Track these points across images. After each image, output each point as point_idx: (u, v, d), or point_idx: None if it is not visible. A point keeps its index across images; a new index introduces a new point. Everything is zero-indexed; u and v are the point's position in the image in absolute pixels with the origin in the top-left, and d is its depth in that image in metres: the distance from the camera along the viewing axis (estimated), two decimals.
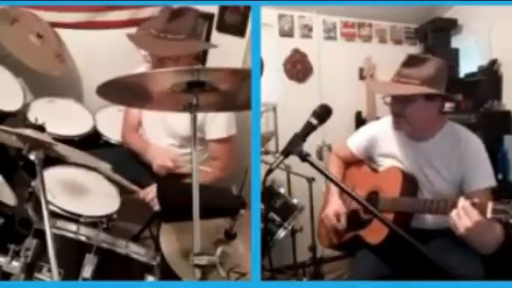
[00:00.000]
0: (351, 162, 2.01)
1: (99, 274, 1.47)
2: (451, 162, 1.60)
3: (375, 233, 1.65)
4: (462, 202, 1.30)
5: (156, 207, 1.90)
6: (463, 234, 1.29)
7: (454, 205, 1.33)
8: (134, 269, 1.57)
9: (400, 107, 1.59)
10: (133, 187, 1.96)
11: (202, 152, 2.13)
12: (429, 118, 1.63)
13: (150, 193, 1.92)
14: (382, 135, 1.81)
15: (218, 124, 2.06)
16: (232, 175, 2.06)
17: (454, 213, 1.30)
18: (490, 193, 1.56)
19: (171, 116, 2.06)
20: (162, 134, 2.13)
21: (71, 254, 1.49)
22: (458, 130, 1.65)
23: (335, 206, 1.86)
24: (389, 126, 1.77)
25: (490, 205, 1.23)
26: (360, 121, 3.18)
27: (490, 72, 2.81)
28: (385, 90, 1.67)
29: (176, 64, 1.94)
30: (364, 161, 1.95)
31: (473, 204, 1.27)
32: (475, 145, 1.60)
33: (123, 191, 1.95)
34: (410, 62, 1.60)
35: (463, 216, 1.27)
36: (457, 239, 1.53)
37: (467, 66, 3.04)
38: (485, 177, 1.57)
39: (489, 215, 1.22)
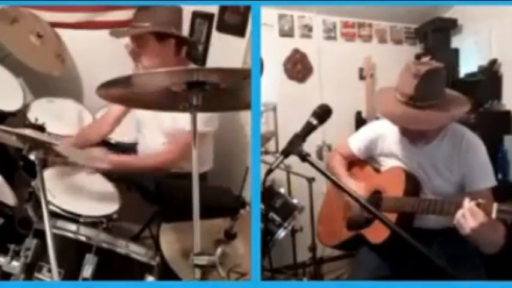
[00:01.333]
0: (353, 162, 2.00)
1: (99, 274, 1.47)
2: (453, 163, 1.60)
3: (377, 233, 1.65)
4: (468, 203, 1.30)
5: (103, 165, 1.88)
6: (468, 234, 1.29)
7: (459, 206, 1.33)
8: (134, 269, 1.57)
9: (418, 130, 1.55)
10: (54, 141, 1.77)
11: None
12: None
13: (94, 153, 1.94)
14: (384, 135, 1.80)
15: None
16: (178, 163, 1.99)
17: (459, 214, 1.31)
18: (490, 193, 1.56)
19: (164, 115, 2.05)
20: (157, 133, 2.13)
21: (71, 254, 1.49)
22: (459, 131, 1.64)
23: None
24: (390, 126, 1.74)
25: (495, 206, 1.24)
26: (360, 121, 3.18)
27: (490, 72, 2.81)
28: (413, 123, 1.50)
29: (144, 51, 1.99)
30: (366, 161, 1.94)
31: (478, 205, 1.28)
32: (476, 145, 1.60)
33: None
34: (425, 81, 1.44)
35: (469, 217, 1.28)
36: (458, 238, 1.53)
37: (467, 66, 3.04)
38: (486, 177, 1.57)
39: (494, 215, 1.23)
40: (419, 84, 1.44)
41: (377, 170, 1.88)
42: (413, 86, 1.45)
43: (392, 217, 1.59)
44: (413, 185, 1.65)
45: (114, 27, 2.64)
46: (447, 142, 1.62)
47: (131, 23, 2.00)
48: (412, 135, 1.63)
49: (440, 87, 1.51)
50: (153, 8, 1.96)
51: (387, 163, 1.79)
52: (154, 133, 2.14)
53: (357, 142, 1.92)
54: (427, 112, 1.46)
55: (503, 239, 1.42)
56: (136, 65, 2.06)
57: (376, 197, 1.75)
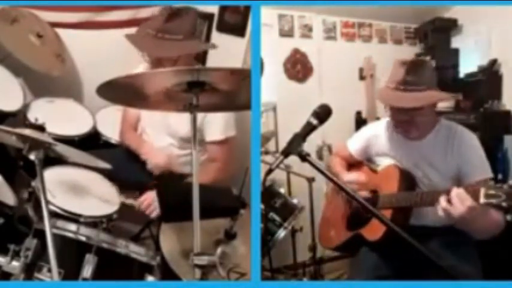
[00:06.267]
0: (351, 164, 2.03)
1: (99, 274, 1.47)
2: (447, 157, 1.62)
3: (374, 230, 1.66)
4: (456, 189, 1.30)
5: (153, 214, 1.88)
6: (457, 220, 1.29)
7: (448, 193, 1.33)
8: (134, 269, 1.57)
9: (409, 115, 1.59)
10: (128, 201, 1.92)
11: (201, 153, 2.12)
12: (430, 118, 1.65)
13: (145, 200, 1.90)
14: (378, 135, 1.83)
15: (216, 126, 2.05)
16: (230, 177, 2.05)
17: (442, 200, 1.31)
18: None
19: (172, 116, 2.05)
20: (163, 134, 2.13)
21: (71, 254, 1.49)
22: (451, 126, 1.67)
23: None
24: (384, 126, 1.80)
25: (482, 190, 1.24)
26: (360, 121, 3.18)
27: (490, 72, 2.81)
28: (399, 101, 1.59)
29: (174, 65, 1.93)
30: (363, 162, 1.96)
31: (467, 190, 1.28)
32: (469, 139, 1.62)
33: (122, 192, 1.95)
34: (414, 67, 1.57)
35: (456, 203, 1.28)
36: (457, 236, 1.54)
37: (467, 66, 3.04)
38: (481, 169, 1.57)
39: (482, 199, 1.23)
40: (406, 71, 1.56)
41: (373, 171, 1.90)
42: (402, 72, 1.57)
43: (387, 214, 1.61)
44: (408, 181, 1.67)
45: (114, 27, 2.64)
46: (440, 137, 1.65)
47: (156, 33, 1.90)
48: (404, 127, 1.66)
49: (426, 78, 1.58)
50: (180, 17, 1.92)
51: (383, 162, 1.82)
52: (160, 134, 2.14)
53: (354, 143, 1.96)
54: (414, 93, 1.55)
55: (497, 226, 1.43)
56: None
57: (372, 195, 1.78)
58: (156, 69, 1.93)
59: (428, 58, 1.61)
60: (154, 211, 1.87)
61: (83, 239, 1.51)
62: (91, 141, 2.31)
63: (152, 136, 2.19)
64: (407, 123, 1.63)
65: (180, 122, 2.02)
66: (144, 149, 2.09)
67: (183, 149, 2.12)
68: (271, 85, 2.96)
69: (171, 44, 1.91)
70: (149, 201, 1.89)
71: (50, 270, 1.36)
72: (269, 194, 2.38)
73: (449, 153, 1.61)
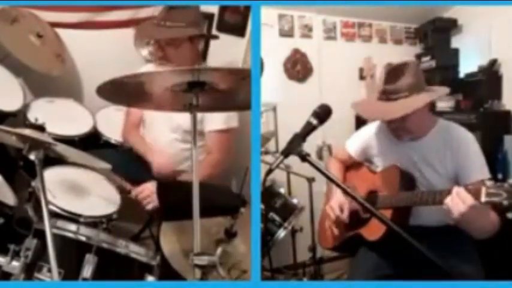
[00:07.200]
0: (350, 165, 2.03)
1: (99, 274, 1.47)
2: (445, 158, 1.61)
3: (373, 230, 1.66)
4: (456, 188, 1.30)
5: (150, 206, 1.87)
6: (457, 219, 1.29)
7: (449, 193, 1.33)
8: (134, 269, 1.57)
9: (398, 122, 1.60)
10: (127, 185, 1.93)
11: (203, 149, 2.12)
12: (424, 120, 1.66)
13: (143, 191, 1.89)
14: (377, 136, 1.83)
15: (218, 116, 2.05)
16: (228, 169, 2.03)
17: (448, 199, 1.31)
18: None
19: None
20: (166, 129, 2.13)
21: (71, 254, 1.49)
22: (450, 127, 1.67)
23: (339, 198, 1.84)
24: (382, 126, 1.80)
25: (483, 189, 1.23)
26: (360, 121, 3.17)
27: (490, 72, 2.81)
28: (385, 115, 1.61)
29: (177, 51, 1.95)
30: (363, 163, 1.96)
31: (468, 190, 1.28)
32: (467, 140, 1.62)
33: (120, 190, 1.95)
34: (391, 76, 1.59)
35: (457, 201, 1.27)
36: (457, 236, 1.54)
37: (467, 66, 3.04)
38: (479, 170, 1.57)
39: (483, 198, 1.22)
40: (385, 80, 1.59)
41: (373, 171, 1.90)
42: (382, 81, 1.60)
43: (387, 214, 1.60)
44: (407, 182, 1.67)
45: (114, 27, 2.64)
46: (438, 138, 1.64)
47: (159, 21, 1.97)
48: (395, 131, 1.68)
49: (409, 83, 1.56)
50: (182, 9, 1.97)
51: (382, 163, 1.82)
52: (163, 130, 2.14)
53: (353, 145, 1.96)
54: (397, 102, 1.55)
55: (494, 225, 1.43)
56: (160, 64, 2.05)
57: (371, 196, 1.77)
58: (159, 59, 1.99)
59: (414, 60, 1.61)
60: (151, 203, 1.87)
61: (83, 239, 1.51)
62: (91, 141, 2.31)
63: (155, 132, 2.19)
64: (397, 129, 1.65)
65: (182, 115, 2.01)
66: (150, 156, 2.09)
67: (187, 142, 2.11)
68: (271, 85, 2.96)
69: (174, 29, 1.95)
70: (147, 192, 1.88)
71: (50, 270, 1.36)
72: (269, 194, 2.38)
73: (447, 154, 1.61)
